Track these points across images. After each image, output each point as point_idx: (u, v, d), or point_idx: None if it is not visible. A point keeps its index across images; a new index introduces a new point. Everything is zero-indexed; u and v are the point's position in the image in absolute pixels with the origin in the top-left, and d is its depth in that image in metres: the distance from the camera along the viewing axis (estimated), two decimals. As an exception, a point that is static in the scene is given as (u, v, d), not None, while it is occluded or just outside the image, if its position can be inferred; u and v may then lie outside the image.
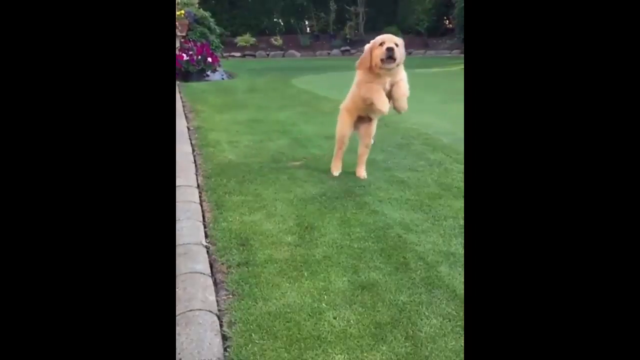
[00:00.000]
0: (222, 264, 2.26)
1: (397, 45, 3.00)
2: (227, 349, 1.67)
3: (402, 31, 18.36)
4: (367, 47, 3.11)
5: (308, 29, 20.06)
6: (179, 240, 2.40)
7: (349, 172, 3.60)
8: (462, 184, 3.29)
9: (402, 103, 3.15)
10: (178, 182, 3.26)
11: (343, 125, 3.45)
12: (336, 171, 3.53)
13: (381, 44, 3.00)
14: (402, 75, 3.17)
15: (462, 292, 2.01)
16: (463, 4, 15.88)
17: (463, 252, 2.37)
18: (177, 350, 1.61)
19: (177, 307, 1.83)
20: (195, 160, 3.93)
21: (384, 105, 3.06)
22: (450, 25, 18.63)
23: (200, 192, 3.20)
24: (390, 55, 2.96)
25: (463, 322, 1.82)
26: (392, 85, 3.12)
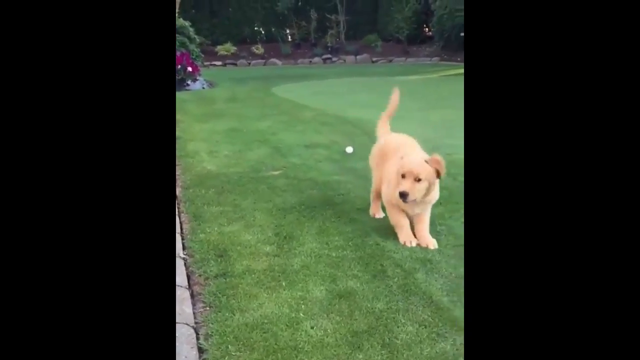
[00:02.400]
0: (200, 275, 2.24)
1: (419, 179, 2.44)
2: (204, 362, 1.66)
3: (382, 39, 18.56)
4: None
5: (289, 37, 20.11)
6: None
7: (327, 180, 3.61)
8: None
9: (422, 237, 2.60)
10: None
11: (376, 179, 2.94)
12: (378, 214, 2.97)
13: (403, 176, 2.47)
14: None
15: (438, 298, 2.03)
16: (442, 13, 16.14)
17: (440, 258, 2.39)
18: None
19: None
20: (174, 171, 3.91)
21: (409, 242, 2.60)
22: (430, 33, 18.89)
23: (178, 203, 3.18)
24: (403, 201, 2.49)
25: (439, 328, 1.84)
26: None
